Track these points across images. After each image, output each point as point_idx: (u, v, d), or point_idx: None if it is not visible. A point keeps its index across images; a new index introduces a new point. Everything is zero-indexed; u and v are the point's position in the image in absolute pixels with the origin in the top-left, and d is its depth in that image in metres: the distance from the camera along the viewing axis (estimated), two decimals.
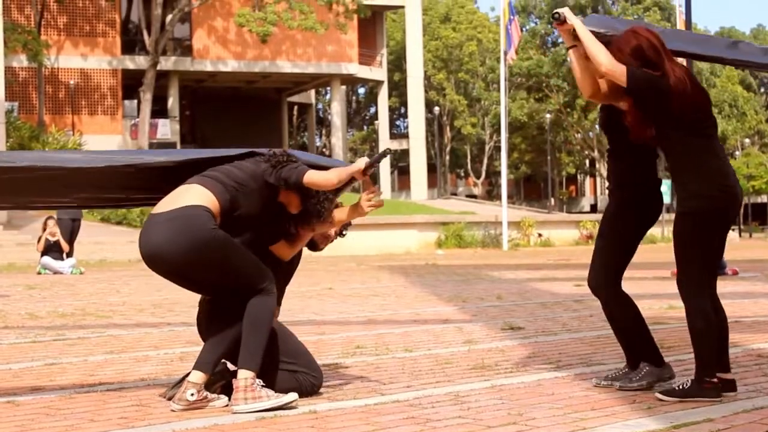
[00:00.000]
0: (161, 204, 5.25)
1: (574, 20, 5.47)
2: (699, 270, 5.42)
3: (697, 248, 5.37)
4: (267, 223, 5.56)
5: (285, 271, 5.92)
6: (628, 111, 5.50)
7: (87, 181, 5.66)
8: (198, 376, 5.26)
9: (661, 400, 5.29)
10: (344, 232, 6.03)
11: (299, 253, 5.97)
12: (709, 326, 5.34)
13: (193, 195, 5.20)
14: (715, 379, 5.33)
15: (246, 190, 5.32)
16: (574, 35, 5.49)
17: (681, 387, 5.34)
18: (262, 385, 5.20)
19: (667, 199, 44.21)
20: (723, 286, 14.28)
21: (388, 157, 5.88)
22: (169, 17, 48.26)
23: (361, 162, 5.32)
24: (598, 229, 5.88)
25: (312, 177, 5.27)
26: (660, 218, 41.89)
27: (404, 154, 63.05)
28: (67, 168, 5.51)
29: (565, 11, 5.49)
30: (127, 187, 5.76)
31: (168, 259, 5.14)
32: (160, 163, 5.56)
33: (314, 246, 6.06)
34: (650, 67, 5.32)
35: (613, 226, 5.75)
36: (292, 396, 5.22)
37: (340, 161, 5.66)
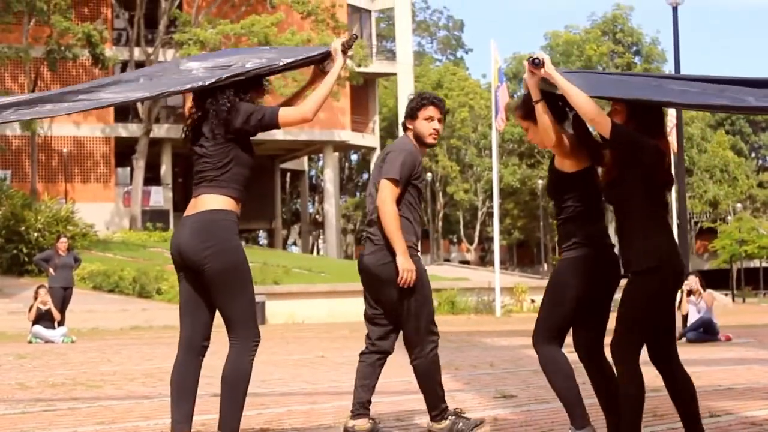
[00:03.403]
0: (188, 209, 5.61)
1: (552, 70, 5.43)
2: (641, 334, 5.42)
3: (647, 310, 5.38)
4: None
5: None
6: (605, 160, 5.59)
7: None
8: None
9: None
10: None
11: None
12: (641, 393, 5.36)
13: (210, 202, 5.51)
14: None
15: (234, 161, 5.55)
16: (546, 85, 5.51)
17: None
18: None
19: None
20: (715, 352, 14.26)
21: None
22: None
23: (339, 55, 5.69)
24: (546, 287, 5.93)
25: (287, 117, 5.54)
26: None
27: None
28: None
29: (545, 57, 5.46)
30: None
31: (187, 256, 5.45)
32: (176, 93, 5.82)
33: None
34: (646, 129, 5.42)
35: (558, 287, 5.76)
36: None
37: (313, 48, 6.00)
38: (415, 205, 6.33)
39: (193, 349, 5.50)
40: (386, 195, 6.17)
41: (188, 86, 5.61)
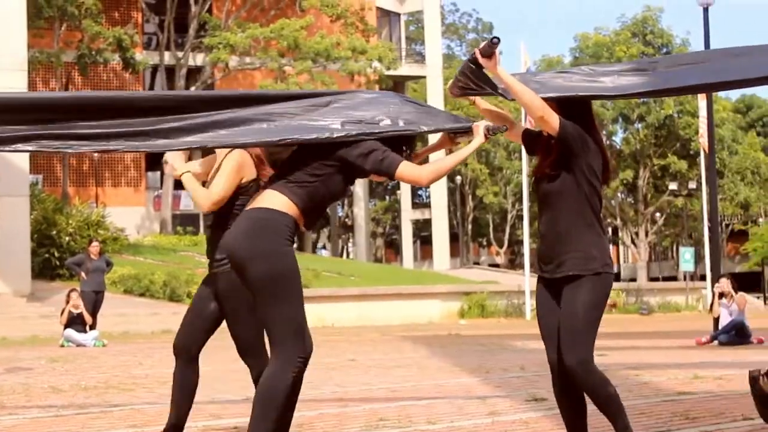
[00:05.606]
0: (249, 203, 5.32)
1: (495, 64, 5.28)
2: (595, 335, 5.32)
3: (600, 312, 5.33)
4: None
5: None
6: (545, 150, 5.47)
7: None
8: None
9: None
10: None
11: None
12: (614, 389, 5.29)
13: (272, 200, 5.18)
14: None
15: (323, 178, 5.23)
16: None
17: None
18: None
19: (690, 267, 43.77)
20: (748, 355, 14.15)
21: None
22: (192, 90, 48.73)
23: (480, 135, 5.36)
24: None
25: (403, 173, 5.19)
26: (684, 285, 41.13)
27: (426, 223, 63.16)
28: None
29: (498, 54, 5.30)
30: None
31: (232, 254, 5.18)
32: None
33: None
34: (582, 123, 5.35)
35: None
36: None
37: (456, 117, 5.62)
38: None
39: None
40: None
41: (315, 135, 5.25)
